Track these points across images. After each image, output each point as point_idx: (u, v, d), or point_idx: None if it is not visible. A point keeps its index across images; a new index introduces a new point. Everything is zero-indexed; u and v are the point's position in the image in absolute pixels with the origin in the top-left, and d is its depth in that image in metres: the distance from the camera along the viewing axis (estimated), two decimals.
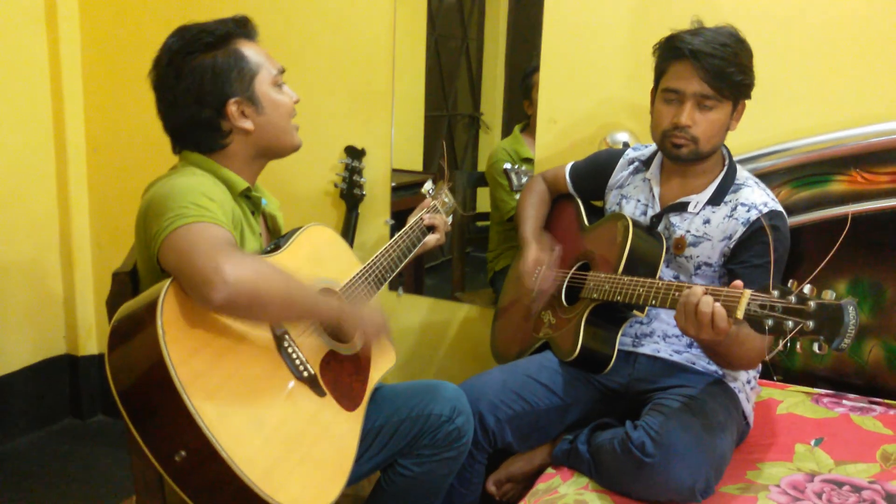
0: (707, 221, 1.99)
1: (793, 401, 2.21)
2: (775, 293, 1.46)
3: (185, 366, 1.37)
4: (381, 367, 1.89)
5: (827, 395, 2.24)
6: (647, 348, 2.06)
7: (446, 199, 2.30)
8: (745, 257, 1.93)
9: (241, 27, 1.72)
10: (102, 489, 2.86)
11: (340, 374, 1.72)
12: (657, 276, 1.97)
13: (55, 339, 3.35)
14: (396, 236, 2.06)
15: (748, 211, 1.94)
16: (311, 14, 2.85)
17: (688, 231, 2.01)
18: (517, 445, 2.05)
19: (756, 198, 1.96)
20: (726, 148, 2.06)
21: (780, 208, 1.97)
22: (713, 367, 2.01)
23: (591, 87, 2.51)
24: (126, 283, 1.72)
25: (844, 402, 2.21)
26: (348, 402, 1.71)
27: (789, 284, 1.46)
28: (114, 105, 3.21)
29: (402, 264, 2.04)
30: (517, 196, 2.49)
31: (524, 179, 2.56)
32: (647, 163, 2.15)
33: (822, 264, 1.50)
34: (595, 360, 2.02)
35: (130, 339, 1.43)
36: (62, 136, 3.21)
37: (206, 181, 1.63)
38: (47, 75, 3.16)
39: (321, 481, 1.55)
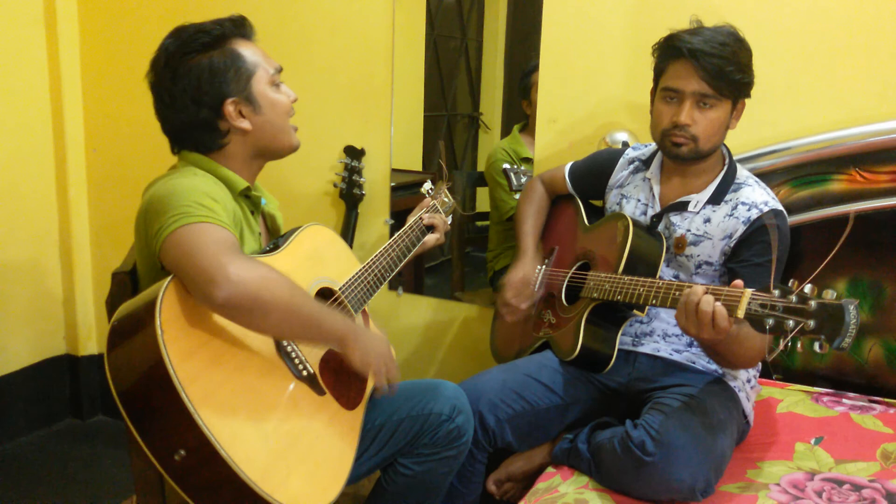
0: (707, 220, 1.99)
1: (793, 400, 2.21)
2: (776, 292, 1.46)
3: (184, 365, 1.37)
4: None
5: (827, 394, 2.24)
6: (647, 347, 2.06)
7: (446, 199, 2.30)
8: (745, 256, 1.93)
9: (238, 27, 1.72)
10: (103, 489, 2.86)
11: (340, 373, 1.72)
12: (657, 276, 1.97)
13: (55, 340, 3.35)
14: (396, 236, 2.06)
15: (749, 210, 1.94)
16: (310, 14, 2.85)
17: (688, 230, 2.01)
18: (517, 445, 2.05)
19: (756, 197, 1.96)
20: (726, 147, 2.06)
21: (781, 207, 1.97)
22: (713, 366, 2.01)
23: (591, 86, 2.50)
24: (125, 282, 1.72)
25: (844, 400, 2.21)
26: (348, 401, 1.71)
27: (790, 284, 1.46)
28: (113, 105, 3.21)
29: (402, 264, 2.04)
30: (516, 196, 2.49)
31: (523, 179, 2.56)
32: (647, 162, 2.15)
33: (824, 264, 1.51)
34: (595, 359, 2.02)
35: (129, 339, 1.43)
36: (61, 136, 3.21)
37: (207, 182, 1.63)
38: (46, 75, 3.16)
39: (321, 480, 1.55)
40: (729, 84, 1.88)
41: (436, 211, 2.22)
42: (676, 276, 2.04)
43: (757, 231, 1.93)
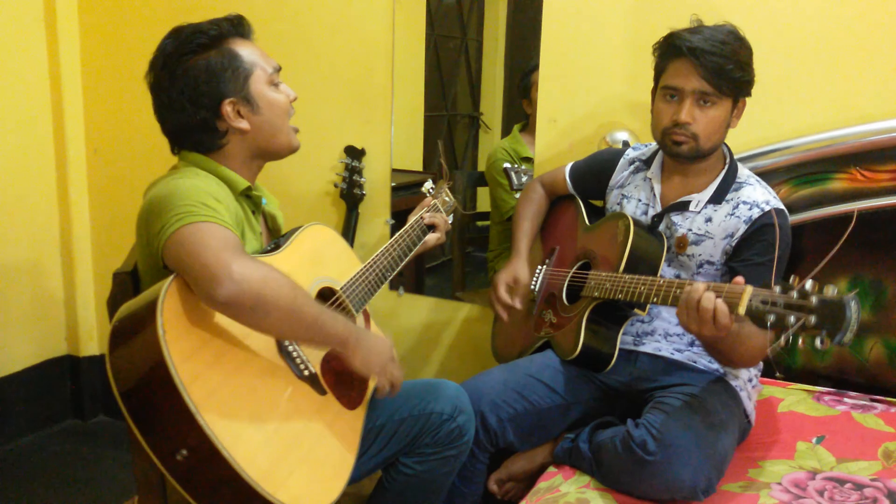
0: (709, 220, 1.99)
1: (794, 399, 2.21)
2: (777, 289, 1.47)
3: (185, 365, 1.37)
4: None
5: (828, 394, 2.24)
6: (648, 347, 2.06)
7: (447, 198, 2.29)
8: (746, 255, 1.93)
9: (235, 26, 1.72)
10: (104, 490, 2.86)
11: (341, 373, 1.72)
12: (658, 275, 1.97)
13: (56, 340, 3.35)
14: (397, 235, 2.06)
15: (750, 209, 1.94)
16: (310, 15, 2.85)
17: (689, 230, 2.01)
18: (519, 444, 2.05)
19: (758, 196, 1.96)
20: (727, 146, 2.06)
21: (782, 206, 1.97)
22: (715, 366, 2.01)
23: (591, 86, 2.50)
24: (126, 283, 1.72)
25: (846, 400, 2.21)
26: (349, 401, 1.71)
27: (791, 280, 1.46)
28: (113, 106, 3.21)
29: (403, 263, 2.04)
30: (517, 195, 2.49)
31: (524, 179, 2.56)
32: (647, 162, 2.15)
33: (824, 262, 1.50)
34: (596, 358, 2.02)
35: (131, 339, 1.43)
36: (62, 137, 3.21)
37: (209, 182, 1.63)
38: (47, 76, 3.16)
39: (322, 480, 1.55)
40: (729, 82, 1.88)
41: (437, 210, 2.21)
42: (678, 276, 2.04)
43: (758, 230, 1.93)
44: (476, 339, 2.81)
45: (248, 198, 1.76)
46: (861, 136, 2.18)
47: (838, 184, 2.23)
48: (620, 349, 2.02)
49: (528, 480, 2.03)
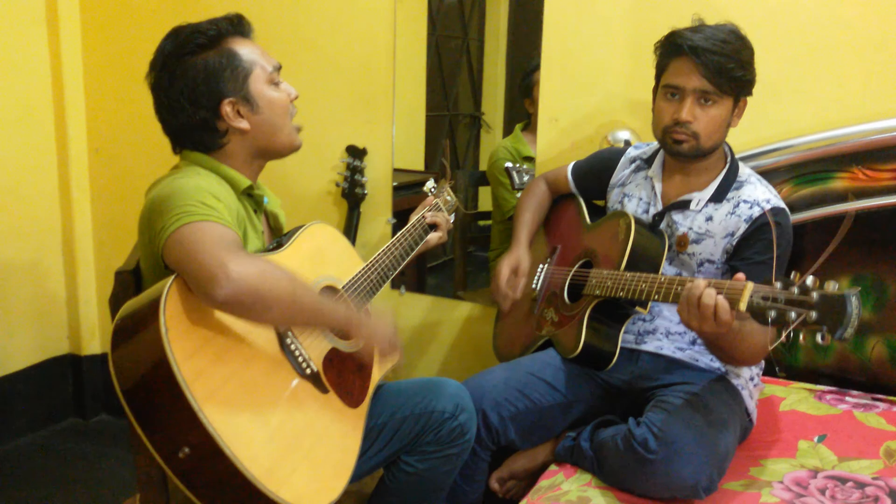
0: (709, 219, 1.99)
1: (796, 398, 2.21)
2: (778, 285, 1.47)
3: (188, 363, 1.37)
4: (384, 365, 1.89)
5: (830, 392, 2.24)
6: (649, 345, 2.06)
7: (448, 198, 2.30)
8: (747, 254, 1.93)
9: (235, 25, 1.71)
10: (105, 488, 2.86)
11: (343, 371, 1.72)
12: (659, 274, 1.97)
13: (58, 339, 3.36)
14: (399, 234, 2.06)
15: (751, 208, 1.95)
16: (311, 14, 2.85)
17: (690, 228, 2.01)
18: (520, 443, 2.05)
19: (758, 194, 1.97)
20: (728, 145, 2.06)
21: (783, 205, 1.97)
22: (716, 364, 2.01)
23: (593, 85, 2.51)
24: (129, 281, 1.72)
25: (847, 398, 2.21)
26: (351, 400, 1.71)
27: (792, 276, 1.46)
28: (115, 105, 3.21)
29: (405, 262, 2.04)
30: (518, 194, 2.49)
31: (525, 178, 2.56)
32: (648, 161, 2.15)
33: (823, 257, 1.51)
34: (598, 356, 2.02)
35: (133, 337, 1.44)
36: (64, 137, 3.21)
37: (210, 181, 1.63)
38: (49, 75, 3.17)
39: (324, 478, 1.55)
40: (730, 81, 1.88)
41: (438, 209, 2.22)
42: (679, 275, 2.04)
43: (759, 229, 1.93)
44: (477, 338, 2.81)
45: (250, 196, 1.76)
46: (862, 135, 2.18)
47: (840, 183, 2.23)
48: (622, 348, 2.02)
49: (530, 479, 2.04)
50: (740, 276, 1.58)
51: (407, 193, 2.88)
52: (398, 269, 2.01)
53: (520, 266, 2.25)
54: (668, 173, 2.09)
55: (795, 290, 1.44)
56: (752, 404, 2.01)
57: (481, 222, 3.11)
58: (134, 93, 2.93)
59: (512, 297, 2.26)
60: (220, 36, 1.68)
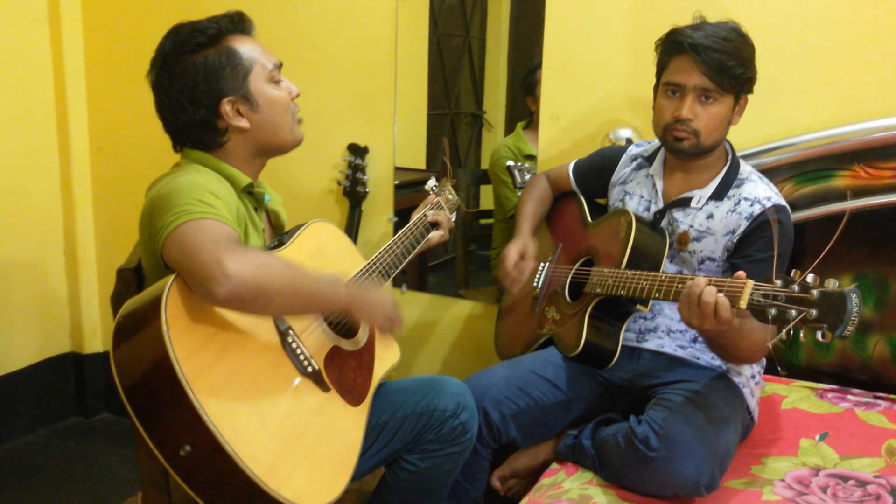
0: (710, 216, 1.99)
1: (797, 396, 2.21)
2: (778, 283, 1.47)
3: (189, 361, 1.37)
4: (386, 363, 1.89)
5: (831, 391, 2.24)
6: (650, 343, 2.06)
7: (450, 196, 2.30)
8: (748, 252, 1.93)
9: (235, 23, 1.71)
10: (107, 486, 2.87)
11: (345, 369, 1.73)
12: (660, 272, 1.97)
13: (60, 338, 3.36)
14: (400, 232, 2.06)
15: (751, 206, 1.94)
16: (313, 13, 2.85)
17: (691, 226, 2.01)
18: (521, 441, 2.05)
19: (759, 192, 1.96)
20: (729, 143, 2.06)
21: (784, 202, 1.97)
22: (717, 362, 2.01)
23: (594, 83, 2.51)
24: (130, 279, 1.72)
25: (849, 397, 2.21)
26: (352, 398, 1.71)
27: (792, 274, 1.46)
28: (117, 103, 3.21)
29: (406, 261, 2.04)
30: (520, 193, 2.49)
31: (527, 176, 2.56)
32: (650, 159, 2.15)
33: (822, 254, 1.51)
34: (599, 355, 2.02)
35: (135, 336, 1.44)
36: (66, 135, 3.21)
37: (210, 178, 1.63)
38: (51, 74, 3.17)
39: (325, 476, 1.55)
40: (730, 79, 1.88)
41: (440, 208, 2.22)
42: (680, 272, 2.04)
43: (760, 227, 1.93)
44: (479, 337, 2.81)
45: (251, 194, 1.76)
46: (865, 133, 2.17)
47: (842, 181, 2.22)
48: (623, 346, 2.02)
49: (531, 477, 2.04)
50: (741, 273, 1.58)
51: (408, 192, 2.88)
52: (399, 268, 2.01)
53: (527, 251, 2.24)
54: (669, 171, 2.09)
55: (796, 287, 1.44)
56: (753, 402, 2.01)
57: (483, 221, 3.11)
58: (136, 91, 2.94)
59: (520, 281, 2.23)
60: (220, 34, 1.67)
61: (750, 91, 1.96)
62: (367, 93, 2.82)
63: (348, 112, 2.86)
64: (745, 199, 1.96)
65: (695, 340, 2.04)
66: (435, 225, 2.17)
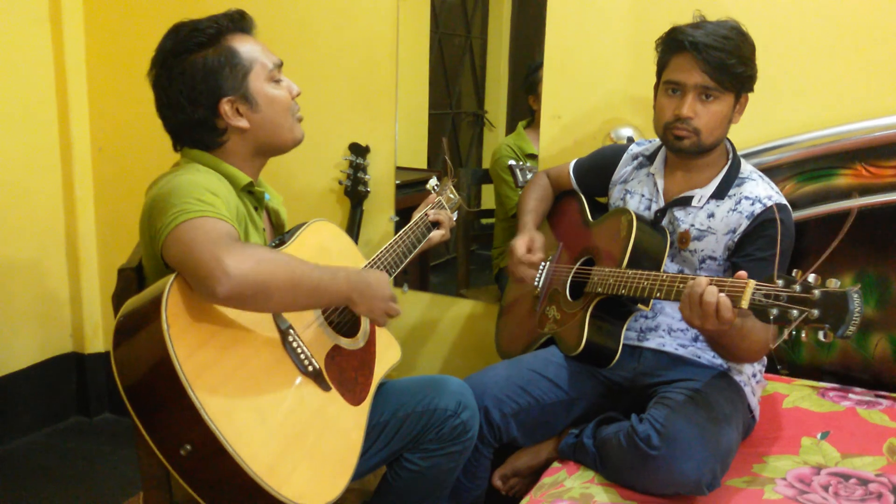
0: (711, 215, 1.99)
1: (799, 395, 2.20)
2: (780, 283, 1.47)
3: (189, 360, 1.38)
4: (387, 362, 1.89)
5: (833, 389, 2.24)
6: (652, 342, 2.06)
7: (451, 196, 2.30)
8: (749, 250, 1.93)
9: (235, 22, 1.70)
10: (109, 486, 2.87)
11: (345, 368, 1.73)
12: (661, 271, 1.97)
13: (61, 337, 3.36)
14: (401, 232, 2.06)
15: (752, 204, 1.94)
16: (314, 12, 2.85)
17: (692, 225, 2.01)
18: (522, 440, 2.05)
19: (760, 191, 1.96)
20: (730, 142, 2.06)
21: (785, 201, 1.97)
22: (718, 361, 2.01)
23: (595, 82, 2.50)
24: (131, 278, 1.73)
25: (851, 395, 2.20)
26: (353, 397, 1.72)
27: (794, 274, 1.46)
28: (118, 103, 3.21)
29: (408, 260, 2.04)
30: (521, 192, 2.49)
31: (528, 175, 2.56)
32: (651, 157, 2.15)
33: (825, 255, 1.50)
34: (600, 354, 2.02)
35: (135, 335, 1.44)
36: (67, 135, 3.21)
37: (209, 177, 1.63)
38: (52, 74, 3.17)
39: (326, 475, 1.56)
40: (731, 77, 1.88)
41: (441, 207, 2.22)
42: (681, 271, 2.04)
43: (761, 226, 1.92)
44: (480, 336, 2.81)
45: (251, 194, 1.76)
46: (866, 131, 2.17)
47: (843, 180, 2.22)
48: (624, 345, 2.02)
49: (533, 476, 2.04)
50: (742, 273, 1.58)
51: (410, 191, 2.88)
52: (401, 267, 2.01)
53: (534, 242, 2.24)
54: (670, 170, 2.09)
55: (797, 287, 1.44)
56: (754, 401, 2.01)
57: (484, 220, 3.11)
58: (137, 91, 2.94)
59: (532, 273, 2.24)
60: (220, 33, 1.67)
61: (750, 89, 1.96)
62: (369, 92, 2.82)
63: (349, 111, 2.86)
64: (746, 197, 1.96)
65: (696, 339, 2.04)
66: (436, 224, 2.17)
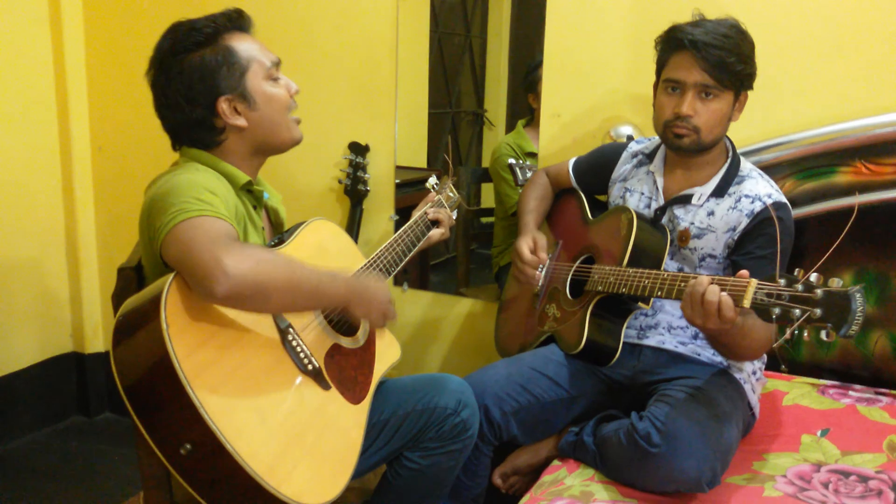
0: (711, 213, 1.99)
1: (799, 392, 2.21)
2: (782, 282, 1.47)
3: (189, 359, 1.38)
4: (386, 361, 1.89)
5: (833, 387, 2.24)
6: (651, 340, 2.06)
7: (451, 194, 2.30)
8: (749, 248, 1.93)
9: (233, 21, 1.70)
10: (109, 486, 2.87)
11: (345, 367, 1.73)
12: (661, 269, 1.97)
13: (61, 337, 3.36)
14: (401, 230, 2.06)
15: (752, 202, 1.94)
16: (314, 11, 2.85)
17: (692, 223, 2.01)
18: (523, 438, 2.05)
19: (760, 189, 1.96)
20: (729, 140, 2.06)
21: (784, 199, 1.97)
22: (718, 359, 2.01)
23: (595, 81, 2.50)
24: (131, 278, 1.73)
25: (851, 392, 2.20)
26: (353, 396, 1.71)
27: (796, 273, 1.46)
28: (118, 103, 3.21)
29: (407, 258, 2.04)
30: (521, 191, 2.49)
31: (528, 174, 2.56)
32: (650, 156, 2.15)
33: (828, 254, 1.50)
34: (600, 352, 2.02)
35: (135, 334, 1.44)
36: (67, 135, 3.21)
37: (208, 176, 1.63)
38: (52, 73, 3.17)
39: (326, 474, 1.55)
40: (731, 75, 1.88)
41: (441, 206, 2.21)
42: (680, 269, 2.04)
43: (760, 224, 1.92)
44: (479, 335, 2.81)
45: (250, 192, 1.76)
46: (865, 129, 2.17)
47: (843, 177, 2.22)
48: (624, 343, 2.02)
49: (533, 474, 2.04)
50: (744, 272, 1.58)
51: (409, 190, 2.88)
52: (400, 266, 2.01)
53: (537, 243, 2.24)
54: (670, 168, 2.09)
55: (800, 287, 1.44)
56: (754, 398, 2.01)
57: (484, 219, 3.11)
58: (136, 90, 2.94)
59: (538, 275, 2.24)
60: (218, 32, 1.67)
61: (750, 87, 1.96)
62: (368, 91, 2.82)
63: (349, 111, 2.86)
64: (746, 196, 1.96)
65: (696, 337, 2.04)
66: (435, 223, 2.17)
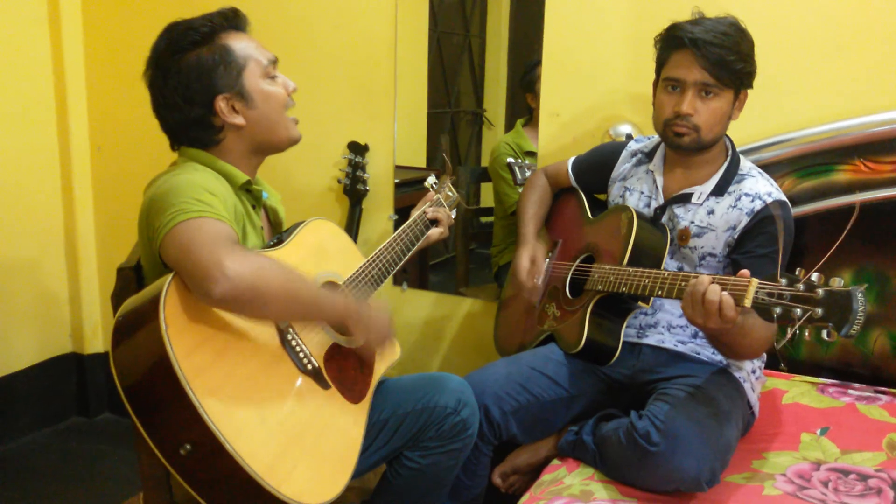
0: (711, 212, 1.99)
1: (798, 391, 2.21)
2: (783, 281, 1.46)
3: (188, 359, 1.37)
4: (386, 361, 1.89)
5: (832, 385, 2.24)
6: (651, 339, 2.06)
7: (450, 193, 2.29)
8: (749, 247, 1.93)
9: (229, 20, 1.70)
10: (108, 486, 2.87)
11: (345, 367, 1.72)
12: (661, 268, 1.97)
13: (61, 338, 3.36)
14: (400, 230, 2.06)
15: (752, 201, 1.94)
16: (313, 11, 2.85)
17: (692, 222, 2.01)
18: (522, 437, 2.05)
19: (760, 188, 1.96)
20: (729, 138, 2.06)
21: (784, 198, 1.97)
22: (718, 357, 2.01)
23: (594, 80, 2.50)
24: (131, 278, 1.73)
25: (850, 391, 2.20)
26: (353, 395, 1.71)
27: (797, 272, 1.46)
28: (117, 103, 3.21)
29: (406, 258, 2.04)
30: (520, 190, 2.49)
31: (527, 173, 2.56)
32: (650, 154, 2.15)
33: (829, 253, 1.50)
34: (600, 351, 2.02)
35: (134, 335, 1.44)
36: (66, 135, 3.21)
37: (207, 176, 1.63)
38: (51, 73, 3.17)
39: (326, 474, 1.55)
40: (730, 73, 1.88)
41: (439, 205, 2.21)
42: (680, 268, 2.04)
43: (761, 222, 1.92)
44: (479, 334, 2.81)
45: (249, 192, 1.76)
46: (864, 127, 2.17)
47: (842, 175, 2.22)
48: (624, 342, 2.02)
49: (533, 473, 2.04)
50: (745, 272, 1.58)
51: (408, 190, 2.87)
52: (399, 265, 2.01)
53: (536, 258, 2.25)
54: (670, 167, 2.09)
55: (801, 286, 1.44)
56: (754, 397, 2.01)
57: (483, 219, 3.11)
58: (135, 90, 2.93)
59: (539, 289, 2.25)
60: (214, 32, 1.67)
61: (750, 86, 1.96)
62: (368, 91, 2.82)
63: (348, 110, 2.86)
64: (746, 194, 1.96)
65: (695, 336, 2.04)
66: (434, 222, 2.17)
